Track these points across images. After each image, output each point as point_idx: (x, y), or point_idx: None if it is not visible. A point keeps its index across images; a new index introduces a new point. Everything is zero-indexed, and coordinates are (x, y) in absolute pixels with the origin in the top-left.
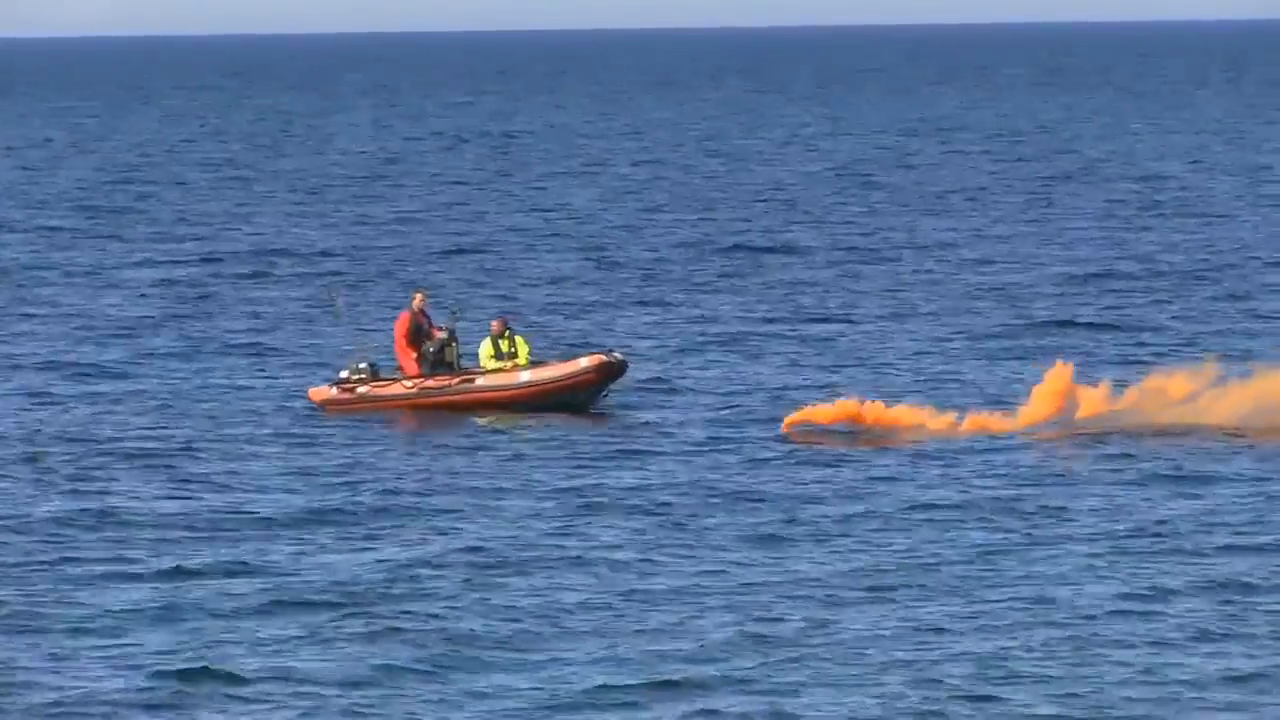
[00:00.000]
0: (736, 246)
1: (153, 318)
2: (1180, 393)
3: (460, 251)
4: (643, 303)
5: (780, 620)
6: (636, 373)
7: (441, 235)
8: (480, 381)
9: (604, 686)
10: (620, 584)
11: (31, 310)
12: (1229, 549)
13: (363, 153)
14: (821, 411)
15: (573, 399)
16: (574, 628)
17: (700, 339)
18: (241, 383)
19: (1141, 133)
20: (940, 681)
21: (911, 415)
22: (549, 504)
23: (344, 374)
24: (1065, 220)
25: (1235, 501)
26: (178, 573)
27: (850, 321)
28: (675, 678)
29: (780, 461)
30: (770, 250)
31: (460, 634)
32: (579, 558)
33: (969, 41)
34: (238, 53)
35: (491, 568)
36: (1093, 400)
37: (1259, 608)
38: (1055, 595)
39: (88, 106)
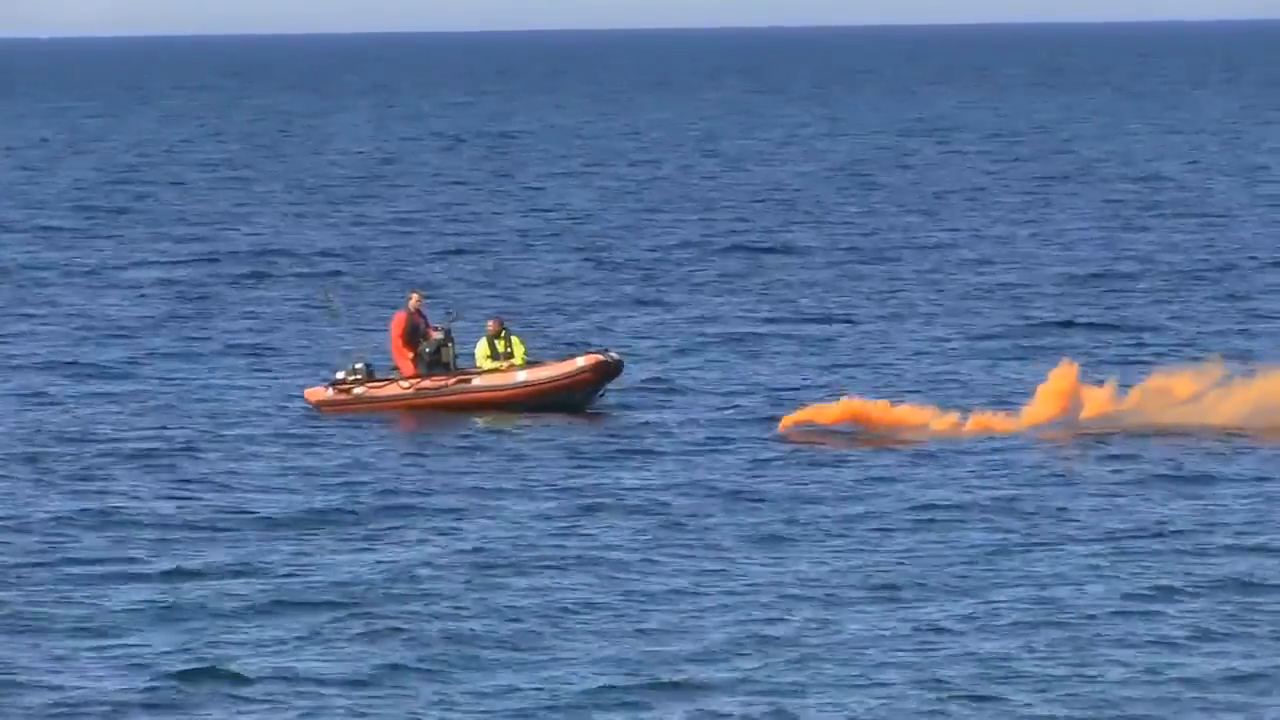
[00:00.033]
0: (736, 247)
1: (152, 318)
2: (1185, 393)
3: (459, 252)
4: (642, 303)
5: (780, 620)
6: (636, 373)
7: (440, 235)
8: (476, 382)
9: (604, 687)
10: (620, 584)
11: (31, 310)
12: (1231, 549)
13: (360, 153)
14: (826, 411)
15: (569, 399)
16: (574, 628)
17: (700, 339)
18: (241, 383)
19: (1139, 133)
20: (941, 681)
21: (916, 415)
22: (549, 504)
23: (340, 375)
24: (1063, 220)
25: (1238, 502)
26: (178, 573)
27: (849, 321)
28: (675, 678)
29: (780, 461)
30: (769, 250)
31: (461, 634)
32: (579, 558)
33: (967, 42)
34: (237, 53)
35: (491, 568)
36: (1097, 400)
37: (1261, 608)
38: (1057, 595)
39: (86, 107)
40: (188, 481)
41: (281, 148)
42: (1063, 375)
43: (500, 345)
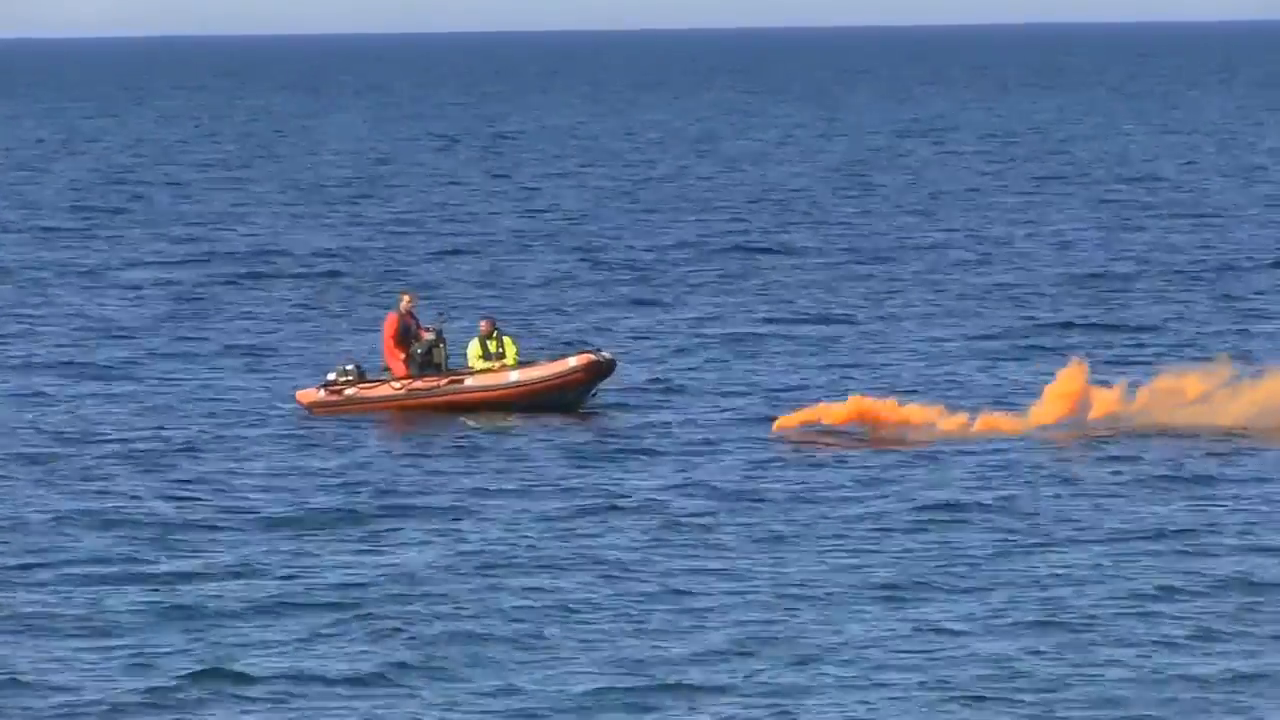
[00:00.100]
0: (733, 247)
1: (152, 318)
2: (1193, 393)
3: (455, 252)
4: (639, 303)
5: (780, 620)
6: (636, 373)
7: (436, 236)
8: (469, 382)
9: (604, 687)
10: (620, 584)
11: (29, 310)
12: (1233, 549)
13: (356, 154)
14: (833, 410)
15: (561, 399)
16: (574, 628)
17: (698, 339)
18: (240, 383)
19: (1135, 133)
20: (943, 682)
21: (923, 414)
22: (549, 504)
23: (331, 376)
24: (1060, 221)
25: (1241, 502)
26: (178, 573)
27: (847, 322)
28: (676, 678)
29: (780, 461)
30: (766, 251)
31: (461, 634)
32: (579, 558)
33: (964, 42)
34: (235, 53)
35: (491, 568)
36: (1105, 401)
37: (1262, 608)
38: (1058, 595)
39: (81, 108)
40: (188, 481)
41: (277, 148)
42: (1071, 376)
43: (492, 345)
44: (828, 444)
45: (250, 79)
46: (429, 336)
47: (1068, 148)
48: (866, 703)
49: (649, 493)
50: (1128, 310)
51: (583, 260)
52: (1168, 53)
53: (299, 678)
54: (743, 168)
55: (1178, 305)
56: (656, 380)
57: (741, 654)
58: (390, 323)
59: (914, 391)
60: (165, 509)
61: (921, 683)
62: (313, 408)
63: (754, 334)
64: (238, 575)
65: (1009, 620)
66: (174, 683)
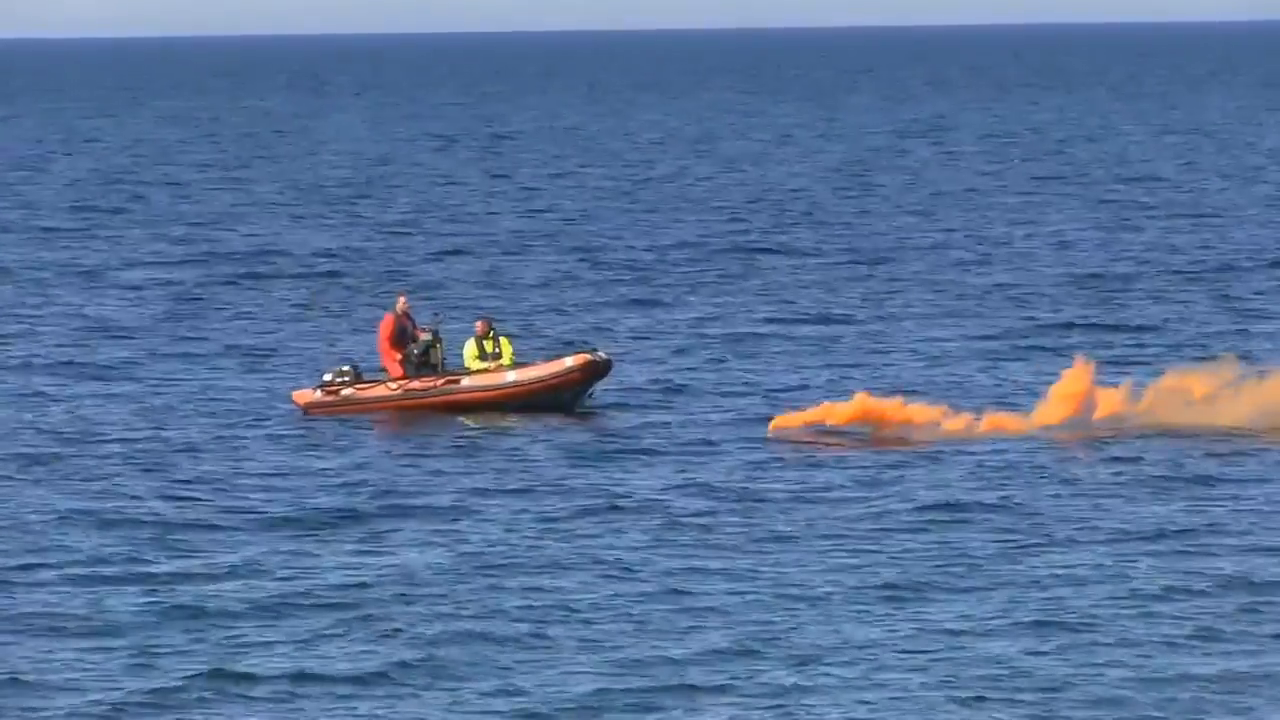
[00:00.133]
0: (734, 247)
1: (152, 318)
2: (1198, 393)
3: (454, 253)
4: (639, 303)
5: (781, 620)
6: (635, 373)
7: (435, 236)
8: (465, 382)
9: (605, 688)
10: (620, 584)
11: (30, 310)
12: (1235, 550)
13: (355, 154)
14: (838, 410)
15: (558, 399)
16: (575, 628)
17: (697, 339)
18: (241, 384)
19: (1134, 133)
20: (944, 681)
21: (928, 414)
22: (549, 504)
23: (327, 376)
24: (1060, 221)
25: (1242, 503)
26: (178, 573)
27: (846, 322)
28: (676, 678)
29: (780, 461)
30: (766, 251)
31: (462, 634)
32: (579, 558)
33: (964, 42)
34: (235, 53)
35: (492, 568)
36: (1110, 401)
37: (1262, 608)
38: (1059, 595)
39: (81, 108)
40: (188, 481)
41: (276, 148)
42: (1077, 376)
43: (489, 346)
44: (828, 444)
45: (248, 79)
46: (425, 337)
47: (1067, 148)
48: (866, 703)
49: (649, 493)
50: (1127, 310)
51: (582, 260)
52: (1167, 53)
53: (300, 678)
54: (742, 168)
55: (1178, 305)
56: (656, 380)
57: (741, 654)
58: (386, 324)
59: (914, 392)
60: (165, 509)
61: (922, 683)
62: (309, 408)
63: (754, 334)
64: (238, 575)
65: (1010, 620)
66: (175, 683)
